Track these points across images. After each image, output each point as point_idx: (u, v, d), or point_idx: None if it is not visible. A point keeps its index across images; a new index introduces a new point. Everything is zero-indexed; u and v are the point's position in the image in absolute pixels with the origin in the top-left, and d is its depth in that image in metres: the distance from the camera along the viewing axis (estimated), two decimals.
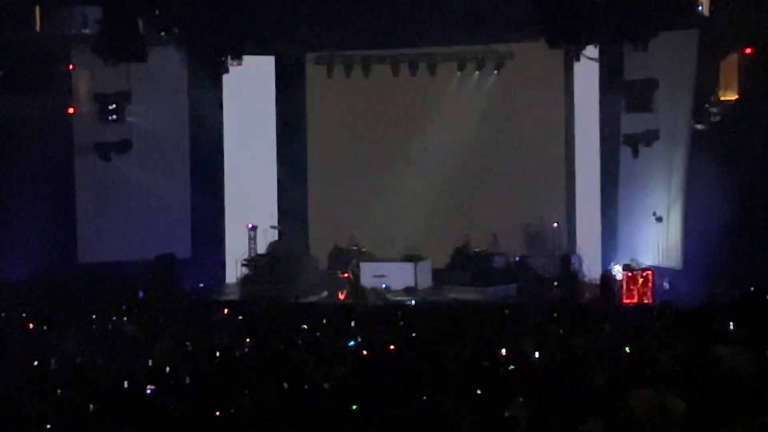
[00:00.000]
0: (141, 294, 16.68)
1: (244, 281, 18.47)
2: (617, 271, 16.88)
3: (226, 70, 18.86)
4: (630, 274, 16.29)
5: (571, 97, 19.48)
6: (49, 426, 6.47)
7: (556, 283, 17.49)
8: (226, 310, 13.51)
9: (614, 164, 18.27)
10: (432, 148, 19.70)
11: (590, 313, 12.51)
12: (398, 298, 16.98)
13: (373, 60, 19.87)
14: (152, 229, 18.77)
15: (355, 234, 19.04)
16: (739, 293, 12.74)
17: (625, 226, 18.15)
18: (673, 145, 17.29)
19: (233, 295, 18.03)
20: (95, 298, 15.12)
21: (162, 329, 11.07)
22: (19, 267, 17.52)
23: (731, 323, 9.57)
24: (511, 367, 7.78)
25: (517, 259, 18.57)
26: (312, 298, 17.52)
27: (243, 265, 18.56)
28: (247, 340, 9.89)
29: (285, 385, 7.46)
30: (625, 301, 16.05)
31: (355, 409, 6.46)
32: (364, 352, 8.95)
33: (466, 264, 18.10)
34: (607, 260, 18.13)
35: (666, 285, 16.64)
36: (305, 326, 11.11)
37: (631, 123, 17.40)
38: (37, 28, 17.64)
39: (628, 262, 16.91)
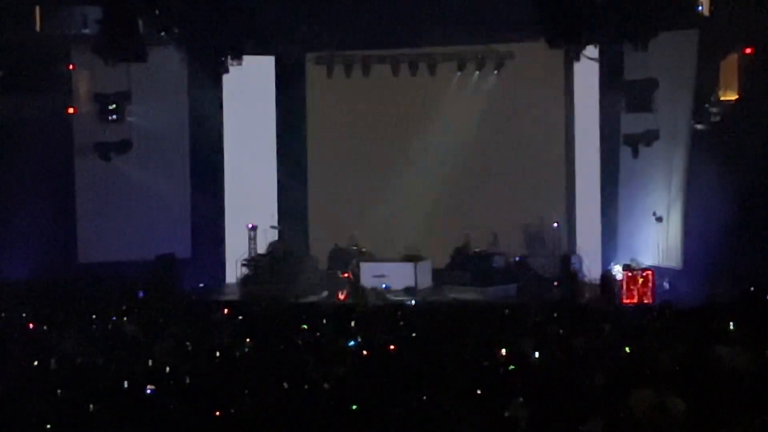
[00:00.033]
0: (141, 294, 16.67)
1: (244, 281, 18.46)
2: (617, 271, 16.88)
3: (226, 70, 18.85)
4: (630, 274, 16.28)
5: (571, 97, 19.47)
6: (49, 426, 6.47)
7: (556, 283, 17.47)
8: (226, 310, 13.51)
9: (614, 164, 18.26)
10: (432, 148, 19.69)
11: (590, 313, 12.50)
12: (398, 298, 16.98)
13: (373, 60, 19.85)
14: (152, 229, 18.77)
15: (355, 234, 19.04)
16: (739, 293, 12.73)
17: (625, 226, 18.14)
18: (673, 145, 17.28)
19: (233, 295, 18.02)
20: (95, 298, 15.11)
21: (162, 329, 11.07)
22: (19, 267, 17.51)
23: (731, 323, 9.57)
24: (511, 367, 7.78)
25: (517, 259, 18.56)
26: (312, 298, 17.52)
27: (243, 265, 18.56)
28: (247, 340, 9.89)
29: (285, 385, 7.46)
30: (625, 301, 16.04)
31: (355, 409, 6.46)
32: (364, 352, 8.95)
33: (466, 264, 18.09)
34: (607, 260, 18.12)
35: (666, 285, 16.63)
36: (305, 326, 11.11)
37: (631, 123, 17.39)
38: (37, 28, 17.63)
39: (628, 262, 16.90)
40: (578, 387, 6.88)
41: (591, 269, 18.01)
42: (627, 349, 8.55)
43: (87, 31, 17.58)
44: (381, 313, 13.24)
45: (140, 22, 17.29)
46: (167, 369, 8.25)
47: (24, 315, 12.55)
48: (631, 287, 16.13)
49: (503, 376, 7.59)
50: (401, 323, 11.42)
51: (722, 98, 15.72)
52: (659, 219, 17.43)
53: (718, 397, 6.17)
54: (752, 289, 12.74)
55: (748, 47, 15.46)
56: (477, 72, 19.96)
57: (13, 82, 17.28)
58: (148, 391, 7.28)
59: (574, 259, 17.92)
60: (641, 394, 6.04)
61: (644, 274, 16.24)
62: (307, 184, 20.40)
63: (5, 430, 6.56)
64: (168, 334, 10.43)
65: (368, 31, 18.76)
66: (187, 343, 9.68)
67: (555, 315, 11.99)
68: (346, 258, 18.65)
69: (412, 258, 18.02)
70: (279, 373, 7.81)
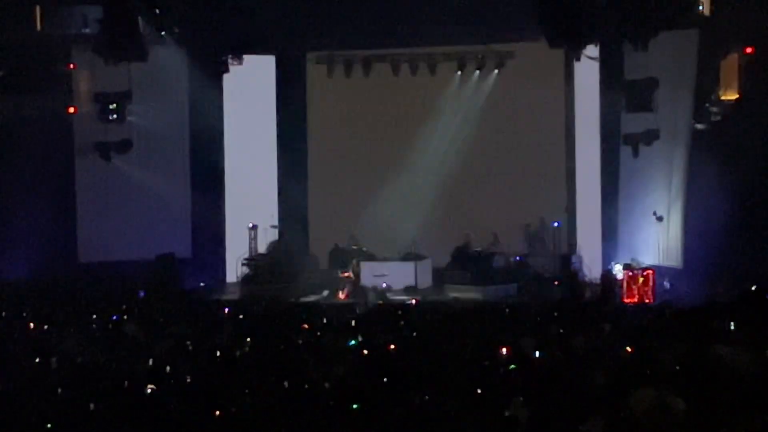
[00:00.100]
0: (141, 294, 16.69)
1: (244, 281, 18.48)
2: (618, 270, 16.89)
3: (227, 70, 18.87)
4: (630, 273, 16.30)
5: (571, 96, 19.49)
6: (49, 426, 6.46)
7: (556, 283, 17.49)
8: (226, 310, 13.52)
9: (614, 164, 18.26)
10: (432, 148, 19.73)
11: (590, 313, 12.51)
12: (398, 298, 16.98)
13: (374, 60, 19.87)
14: (152, 229, 18.77)
15: (355, 234, 19.05)
16: (739, 293, 12.71)
17: (626, 225, 18.14)
18: (673, 145, 17.28)
19: (233, 295, 18.03)
20: (95, 297, 15.11)
21: (162, 329, 11.07)
22: (20, 267, 17.53)
23: (731, 323, 9.56)
24: (511, 366, 7.77)
25: (517, 258, 18.58)
26: (312, 298, 17.53)
27: (243, 264, 18.58)
28: (247, 339, 9.88)
29: (285, 385, 7.45)
30: (625, 300, 16.06)
31: (355, 409, 6.45)
32: (364, 352, 8.94)
33: (467, 263, 18.11)
34: (607, 260, 18.12)
35: (666, 284, 16.64)
36: (305, 326, 11.11)
37: (631, 123, 17.40)
38: (37, 28, 17.65)
39: (628, 261, 16.92)
40: (578, 387, 6.87)
41: (591, 269, 18.03)
42: (627, 349, 8.54)
43: (87, 30, 17.61)
44: (381, 313, 13.24)
45: (140, 22, 17.30)
46: (167, 369, 8.23)
47: (24, 315, 12.55)
48: (632, 287, 16.15)
49: (503, 376, 7.58)
50: (401, 323, 11.41)
51: (722, 98, 15.71)
52: (659, 218, 17.43)
53: (718, 397, 6.16)
54: (752, 288, 12.72)
55: (748, 47, 15.46)
56: (477, 72, 19.98)
57: (14, 82, 17.30)
58: (149, 391, 7.28)
59: (574, 259, 17.95)
60: (641, 393, 6.02)
61: (644, 273, 16.26)
62: (307, 184, 20.42)
63: (5, 430, 6.56)
64: (168, 333, 10.43)
65: (368, 30, 18.77)
66: (188, 343, 9.67)
67: (555, 314, 12.00)
68: (346, 258, 18.67)
69: (413, 257, 18.04)
70: (279, 372, 7.79)
